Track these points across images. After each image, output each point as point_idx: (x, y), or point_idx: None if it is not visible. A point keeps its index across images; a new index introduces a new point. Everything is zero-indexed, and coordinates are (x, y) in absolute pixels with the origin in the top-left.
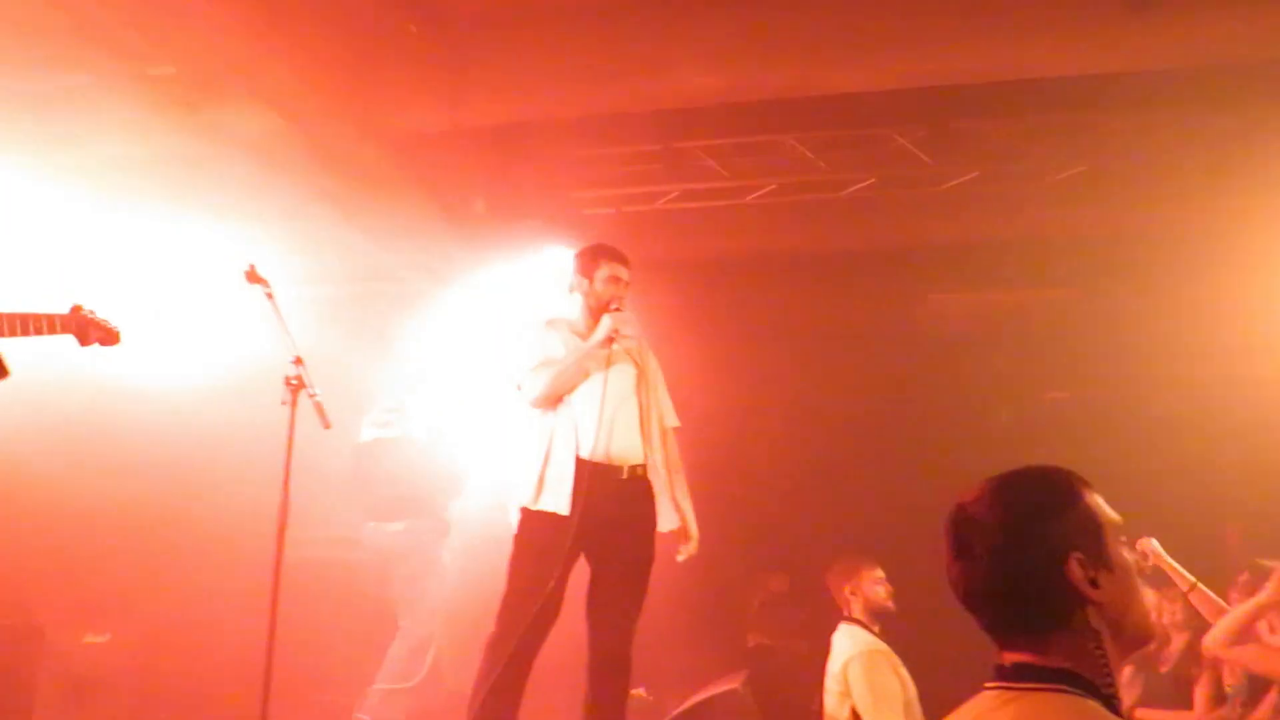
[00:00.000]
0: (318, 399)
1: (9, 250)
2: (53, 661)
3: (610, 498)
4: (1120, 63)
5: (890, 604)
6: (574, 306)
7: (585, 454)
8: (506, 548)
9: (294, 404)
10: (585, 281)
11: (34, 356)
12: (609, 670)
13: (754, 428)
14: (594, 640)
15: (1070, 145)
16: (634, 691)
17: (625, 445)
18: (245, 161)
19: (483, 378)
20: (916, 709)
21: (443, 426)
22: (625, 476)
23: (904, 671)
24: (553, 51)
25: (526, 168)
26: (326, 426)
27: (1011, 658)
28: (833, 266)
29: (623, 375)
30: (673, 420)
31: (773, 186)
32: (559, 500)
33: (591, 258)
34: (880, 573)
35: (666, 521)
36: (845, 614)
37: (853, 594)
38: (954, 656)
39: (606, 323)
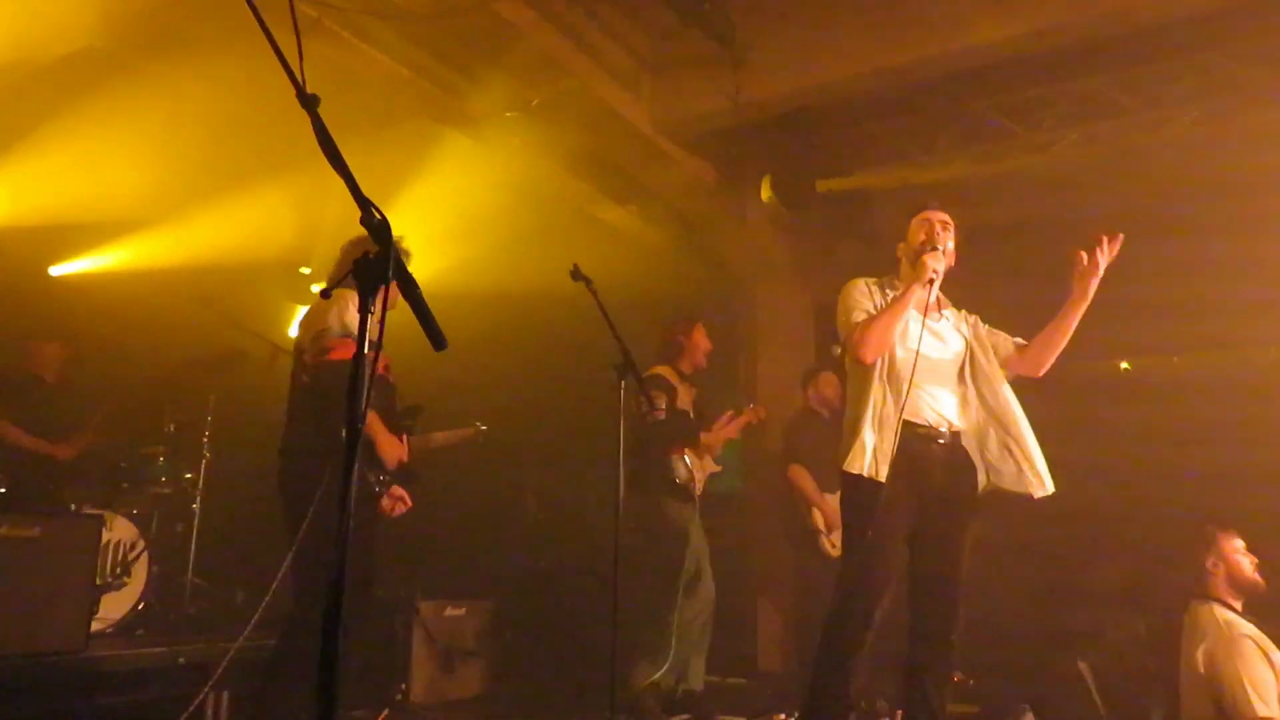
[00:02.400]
0: (644, 382)
1: None
2: (423, 630)
3: (933, 463)
4: None
5: (1259, 577)
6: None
7: (919, 416)
8: None
9: (621, 389)
10: (900, 234)
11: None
12: (937, 653)
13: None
14: (919, 622)
15: None
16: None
17: (945, 407)
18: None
19: None
20: None
21: None
22: (945, 441)
23: (1276, 656)
24: (830, 32)
25: (812, 149)
26: (653, 408)
27: None
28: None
29: (946, 331)
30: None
31: (1076, 136)
32: (879, 466)
33: (906, 211)
34: (1241, 541)
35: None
36: (1204, 591)
37: (1214, 566)
38: None
39: (928, 265)
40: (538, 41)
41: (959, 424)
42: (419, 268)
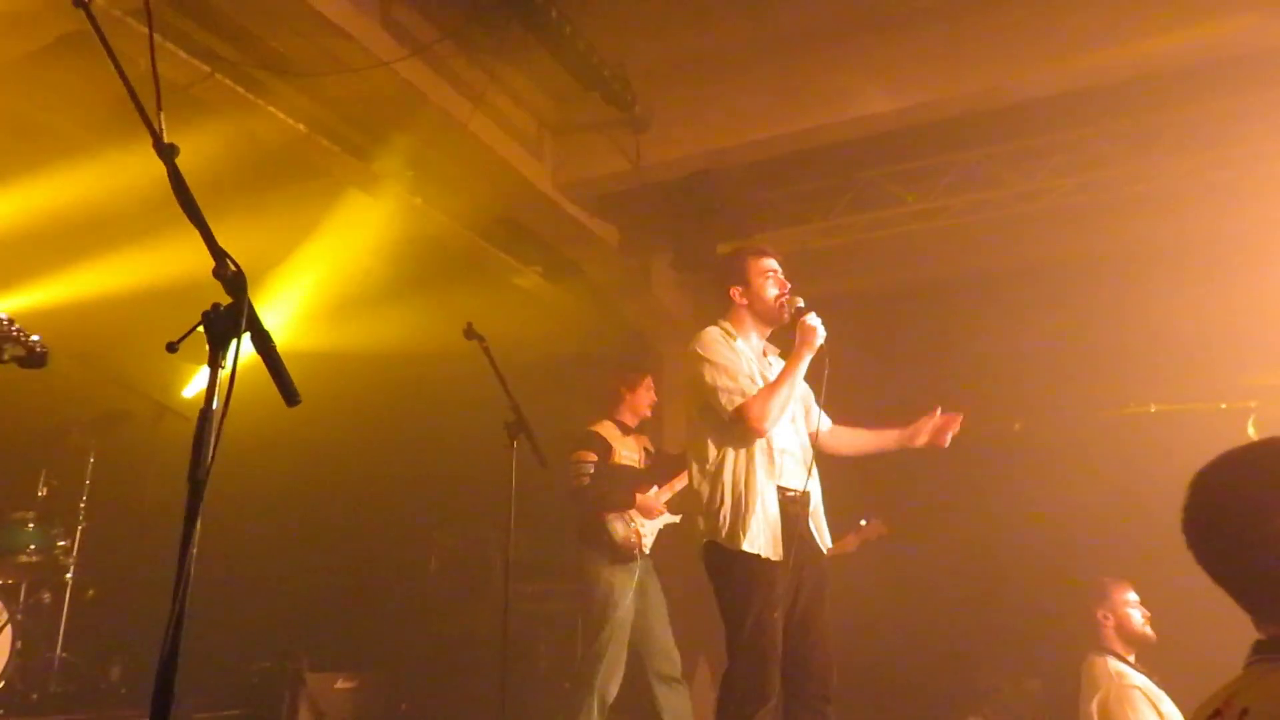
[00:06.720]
0: (535, 440)
1: None
2: (310, 704)
3: (804, 528)
4: None
5: (1149, 631)
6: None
7: (784, 483)
8: None
9: (513, 448)
10: (739, 284)
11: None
12: (820, 714)
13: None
14: (801, 684)
15: None
16: None
17: (802, 468)
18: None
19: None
20: None
21: None
22: (805, 504)
23: (1166, 706)
24: (729, 99)
25: (713, 213)
26: (544, 465)
27: (1270, 630)
28: (1034, 280)
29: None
30: None
31: (963, 205)
32: (766, 543)
33: (739, 258)
34: (1134, 594)
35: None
36: (1097, 642)
37: (1104, 619)
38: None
39: (819, 329)
40: (438, 102)
41: (808, 484)
42: (316, 327)
